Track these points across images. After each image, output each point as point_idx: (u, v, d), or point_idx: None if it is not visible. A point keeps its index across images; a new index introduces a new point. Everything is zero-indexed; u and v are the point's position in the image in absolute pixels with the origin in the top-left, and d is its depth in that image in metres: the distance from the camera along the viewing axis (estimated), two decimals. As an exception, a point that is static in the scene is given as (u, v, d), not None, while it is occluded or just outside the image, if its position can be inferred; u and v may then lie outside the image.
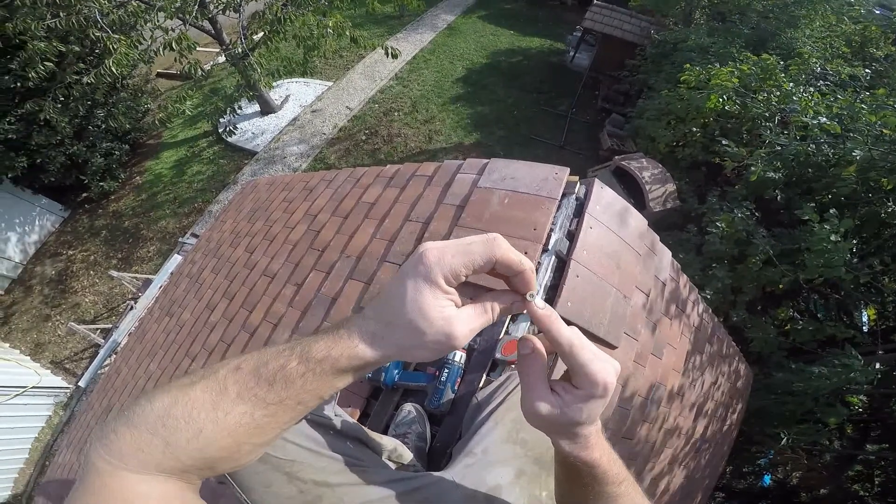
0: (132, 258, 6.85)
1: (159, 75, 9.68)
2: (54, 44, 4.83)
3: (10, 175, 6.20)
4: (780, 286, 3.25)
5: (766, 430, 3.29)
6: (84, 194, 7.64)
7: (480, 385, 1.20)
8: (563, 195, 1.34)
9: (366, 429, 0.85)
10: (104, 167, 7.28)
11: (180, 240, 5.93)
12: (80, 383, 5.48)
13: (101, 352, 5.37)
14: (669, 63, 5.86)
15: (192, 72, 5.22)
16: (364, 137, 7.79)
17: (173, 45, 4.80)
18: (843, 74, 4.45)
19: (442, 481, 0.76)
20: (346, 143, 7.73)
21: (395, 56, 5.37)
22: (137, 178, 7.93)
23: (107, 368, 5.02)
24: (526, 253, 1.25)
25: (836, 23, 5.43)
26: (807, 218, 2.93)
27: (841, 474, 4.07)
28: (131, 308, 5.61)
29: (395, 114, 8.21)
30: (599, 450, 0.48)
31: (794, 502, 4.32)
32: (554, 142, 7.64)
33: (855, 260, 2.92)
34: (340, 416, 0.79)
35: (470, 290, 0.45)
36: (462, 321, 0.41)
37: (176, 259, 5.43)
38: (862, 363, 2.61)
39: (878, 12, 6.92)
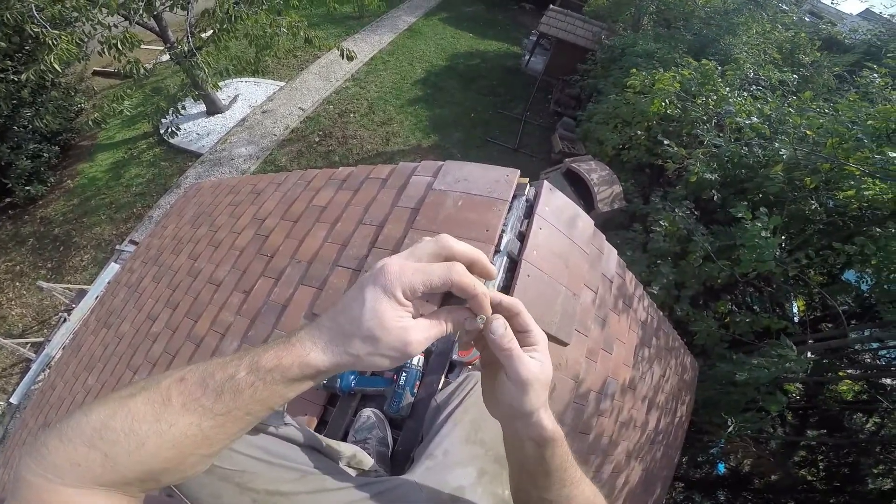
0: (64, 268, 6.32)
1: (95, 73, 9.12)
2: None
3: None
4: (719, 280, 3.47)
5: (714, 419, 3.46)
6: (7, 199, 7.03)
7: (439, 387, 1.19)
8: (514, 197, 1.36)
9: (320, 436, 0.82)
10: (31, 170, 6.76)
11: (117, 247, 5.54)
12: (11, 400, 4.99)
13: (34, 366, 4.97)
14: (618, 68, 6.11)
15: (133, 71, 4.95)
16: (317, 139, 7.61)
17: (119, 45, 4.57)
18: (773, 79, 4.80)
19: (405, 484, 0.75)
20: (299, 145, 7.53)
21: (350, 58, 5.29)
22: (69, 181, 7.36)
23: (40, 384, 4.62)
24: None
25: (770, 30, 5.82)
26: (740, 216, 3.12)
27: (787, 461, 4.39)
28: (64, 320, 5.15)
29: (351, 115, 8.08)
30: (551, 423, 0.51)
31: (749, 488, 4.60)
32: (509, 144, 7.81)
33: (784, 255, 3.14)
34: (291, 424, 0.76)
35: (426, 305, 0.47)
36: (417, 331, 0.43)
37: (113, 268, 5.06)
38: (796, 353, 2.80)
39: (808, 20, 7.56)
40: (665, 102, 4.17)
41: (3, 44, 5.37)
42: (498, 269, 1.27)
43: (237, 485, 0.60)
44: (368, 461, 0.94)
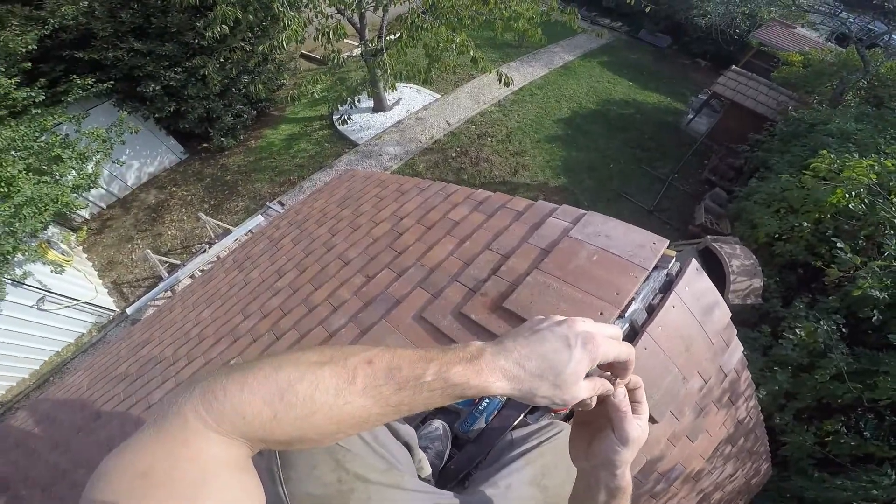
0: (221, 208, 7.48)
1: (302, 56, 10.46)
2: (237, 10, 5.37)
3: (157, 116, 7.12)
4: (840, 401, 2.90)
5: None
6: (205, 144, 8.50)
7: (514, 423, 1.18)
8: (655, 267, 1.29)
9: (416, 433, 0.89)
10: (230, 125, 8.09)
11: (267, 203, 6.38)
12: (127, 310, 5.40)
13: (161, 285, 5.38)
14: (800, 145, 5.38)
15: (332, 59, 5.60)
16: (454, 154, 8.01)
17: (330, 34, 5.20)
18: None
19: (465, 501, 0.77)
20: (437, 156, 7.99)
21: (507, 83, 5.50)
22: (252, 141, 8.71)
23: (160, 302, 5.16)
24: (601, 314, 1.23)
25: None
26: None
27: None
28: (203, 251, 5.86)
29: (489, 139, 8.35)
30: (628, 483, 0.61)
31: None
32: (644, 204, 7.33)
33: None
34: None
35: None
36: (583, 388, 0.50)
37: (257, 219, 5.75)
38: (891, 481, 2.43)
39: None
40: (851, 195, 3.53)
41: (252, 17, 6.30)
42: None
43: (336, 461, 0.62)
44: (427, 469, 0.97)
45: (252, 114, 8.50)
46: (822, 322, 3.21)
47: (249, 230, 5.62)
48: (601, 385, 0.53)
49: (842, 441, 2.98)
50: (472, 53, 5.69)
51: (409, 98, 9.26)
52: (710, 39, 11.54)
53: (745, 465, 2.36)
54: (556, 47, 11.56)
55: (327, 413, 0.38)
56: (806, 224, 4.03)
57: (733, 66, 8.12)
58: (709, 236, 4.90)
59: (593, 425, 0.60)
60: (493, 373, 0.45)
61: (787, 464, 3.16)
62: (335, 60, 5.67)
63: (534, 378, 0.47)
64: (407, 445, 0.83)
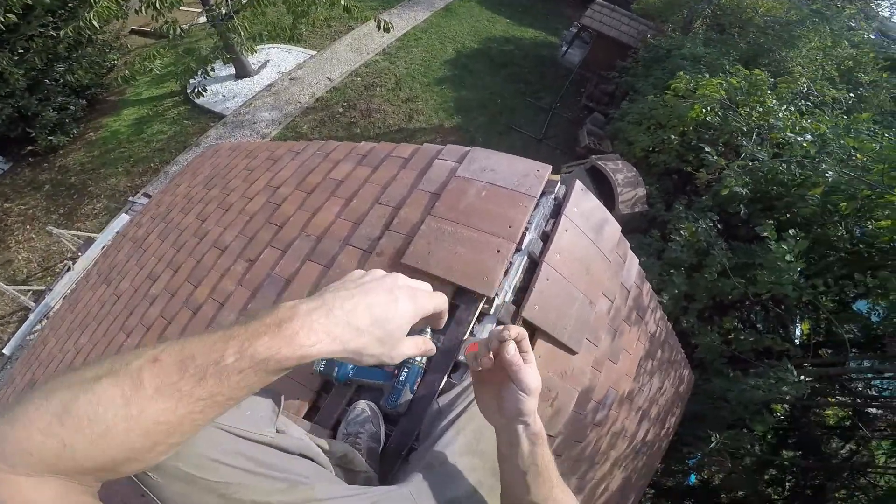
0: (76, 214, 6.40)
1: (133, 32, 9.24)
2: None
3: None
4: (729, 297, 3.38)
5: (698, 432, 3.46)
6: (29, 147, 7.19)
7: (441, 387, 1.13)
8: (543, 194, 1.27)
9: (311, 438, 0.80)
10: (56, 121, 6.93)
11: (130, 199, 5.58)
12: (4, 351, 4.93)
13: (31, 316, 4.86)
14: (660, 69, 5.88)
15: (169, 31, 4.96)
16: (341, 110, 7.54)
17: (157, 4, 4.58)
18: (827, 97, 4.55)
19: (398, 496, 0.72)
20: (322, 114, 7.46)
21: (387, 30, 5.18)
22: (92, 133, 7.47)
23: (36, 334, 4.57)
24: (499, 252, 1.18)
25: (831, 46, 5.50)
26: (765, 234, 3.01)
27: (758, 478, 4.35)
28: (68, 269, 5.13)
29: (378, 89, 7.96)
30: (541, 427, 0.63)
31: (716, 502, 4.58)
32: (533, 134, 7.63)
33: (801, 280, 3.03)
34: (284, 430, 0.73)
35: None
36: (407, 345, 0.50)
37: (123, 218, 5.07)
38: (795, 378, 2.75)
39: (873, 37, 7.11)
40: (706, 109, 3.99)
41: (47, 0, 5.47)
42: (517, 268, 1.19)
43: (222, 496, 0.58)
44: (359, 461, 0.92)
45: (81, 104, 7.38)
46: (700, 221, 3.62)
47: (118, 232, 4.86)
48: (423, 343, 0.54)
49: (742, 338, 3.37)
50: (343, 3, 5.18)
51: (278, 59, 8.41)
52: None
53: (670, 376, 2.61)
54: (437, -12, 11.13)
55: (125, 427, 0.34)
56: (673, 137, 4.52)
57: (598, 0, 8.48)
58: (593, 156, 5.30)
59: (495, 382, 0.62)
60: (309, 334, 0.40)
61: (705, 366, 3.49)
62: (172, 32, 4.93)
63: (361, 334, 0.43)
64: (305, 457, 0.73)
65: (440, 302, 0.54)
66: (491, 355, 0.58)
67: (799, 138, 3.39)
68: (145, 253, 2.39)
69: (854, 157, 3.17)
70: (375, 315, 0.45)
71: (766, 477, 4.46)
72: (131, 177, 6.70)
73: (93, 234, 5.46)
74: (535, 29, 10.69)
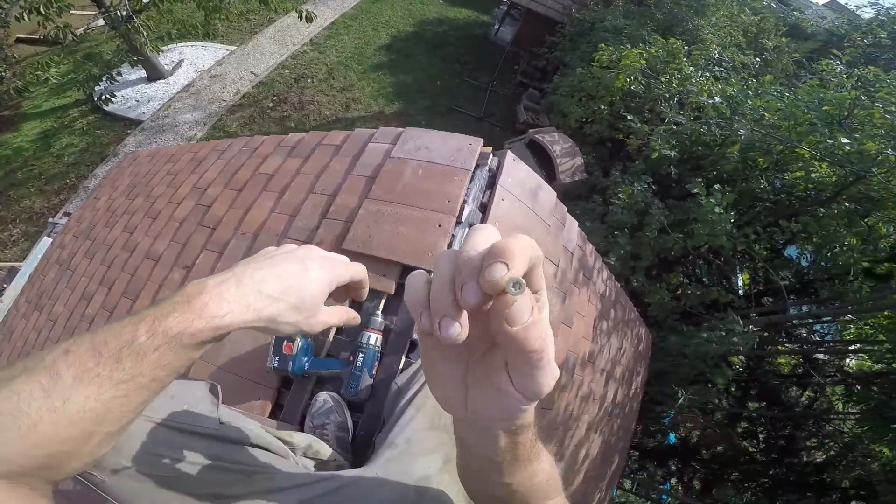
0: (-10, 243, 5.72)
1: (19, 41, 8.23)
2: None
3: None
4: (672, 252, 3.60)
5: (665, 390, 3.64)
6: None
7: (400, 368, 1.14)
8: (477, 166, 1.29)
9: (270, 430, 0.78)
10: None
11: (50, 220, 5.03)
12: None
13: None
14: (586, 42, 6.06)
15: (60, 37, 4.47)
16: (271, 104, 7.17)
17: (41, 8, 4.10)
18: (736, 62, 4.89)
19: (364, 479, 0.71)
20: (251, 111, 7.06)
21: (309, 20, 4.94)
22: None
23: None
24: (440, 226, 1.20)
25: (737, 13, 5.93)
26: (695, 191, 3.23)
27: (731, 432, 4.69)
28: None
29: (309, 80, 7.63)
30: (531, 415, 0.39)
31: (697, 458, 4.91)
32: (474, 113, 7.69)
33: (733, 230, 3.27)
34: (230, 422, 0.70)
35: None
36: (328, 314, 0.49)
37: (46, 242, 4.61)
38: (742, 328, 2.96)
39: (774, 6, 7.72)
40: (630, 78, 4.18)
41: None
42: (459, 240, 1.21)
43: (174, 491, 0.57)
44: (326, 450, 0.90)
45: None
46: (635, 184, 3.82)
47: (43, 257, 4.44)
48: (345, 312, 0.53)
49: (689, 292, 3.55)
50: None
51: (193, 57, 7.82)
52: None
53: (627, 335, 2.70)
54: (365, -27, 10.75)
55: (52, 418, 0.33)
56: (603, 107, 4.71)
57: (523, -24, 8.57)
58: (531, 130, 5.44)
59: (464, 356, 0.35)
60: (220, 304, 0.39)
61: (660, 324, 3.63)
62: (65, 37, 4.45)
63: (274, 302, 0.43)
64: (258, 447, 0.71)
65: (357, 271, 0.52)
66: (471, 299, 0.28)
67: (710, 101, 3.62)
68: (74, 274, 2.23)
69: (764, 117, 3.45)
70: (287, 283, 0.44)
71: (738, 430, 4.75)
72: (46, 196, 6.06)
73: (16, 263, 4.93)
74: (467, 9, 10.67)
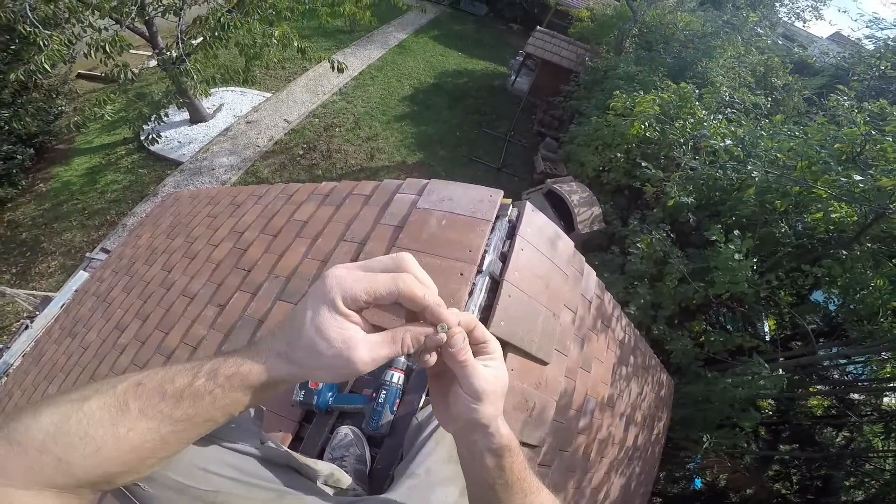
0: (29, 273, 6.05)
1: (80, 76, 9.00)
2: None
3: None
4: (694, 301, 3.54)
5: (690, 435, 3.51)
6: None
7: (420, 405, 1.17)
8: (497, 217, 1.37)
9: (296, 455, 0.81)
10: (2, 171, 6.58)
11: (88, 255, 5.32)
12: None
13: None
14: (600, 90, 6.28)
15: (119, 75, 4.87)
16: (301, 152, 7.56)
17: (107, 47, 4.51)
18: (747, 102, 4.97)
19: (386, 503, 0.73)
20: (282, 157, 7.46)
21: (341, 70, 5.30)
22: (41, 185, 7.13)
23: None
24: (461, 275, 1.26)
25: (744, 53, 6.05)
26: (714, 238, 3.21)
27: (762, 474, 4.43)
28: (26, 327, 4.84)
29: (337, 129, 8.06)
30: (507, 430, 0.52)
31: (726, 502, 4.62)
32: (492, 164, 7.92)
33: (756, 277, 3.22)
34: (267, 443, 0.74)
35: (388, 318, 0.44)
36: (365, 347, 0.41)
37: (82, 276, 4.84)
38: (769, 371, 2.87)
39: (780, 43, 7.85)
40: (645, 125, 4.28)
41: None
42: (480, 289, 1.27)
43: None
44: (346, 479, 0.92)
45: (28, 153, 7.02)
46: (654, 233, 3.83)
47: (77, 290, 4.65)
48: (405, 338, 0.42)
49: (713, 339, 3.48)
50: (296, 45, 5.31)
51: (232, 102, 8.38)
52: (518, 4, 12.76)
53: (648, 381, 2.67)
54: (389, 27, 11.56)
55: (115, 444, 0.36)
56: (619, 154, 4.82)
57: (538, 27, 9.08)
58: (549, 180, 5.56)
59: (444, 381, 0.51)
60: (260, 354, 0.41)
61: (681, 371, 3.56)
62: (123, 76, 4.85)
63: (291, 347, 0.41)
64: (290, 468, 0.75)
65: (382, 281, 0.40)
66: (433, 353, 0.46)
67: (722, 144, 3.66)
68: (110, 306, 2.35)
69: (778, 157, 3.48)
70: (290, 321, 0.42)
71: (770, 473, 4.55)
72: (87, 230, 6.42)
73: (50, 293, 5.16)
74: (485, 61, 11.23)
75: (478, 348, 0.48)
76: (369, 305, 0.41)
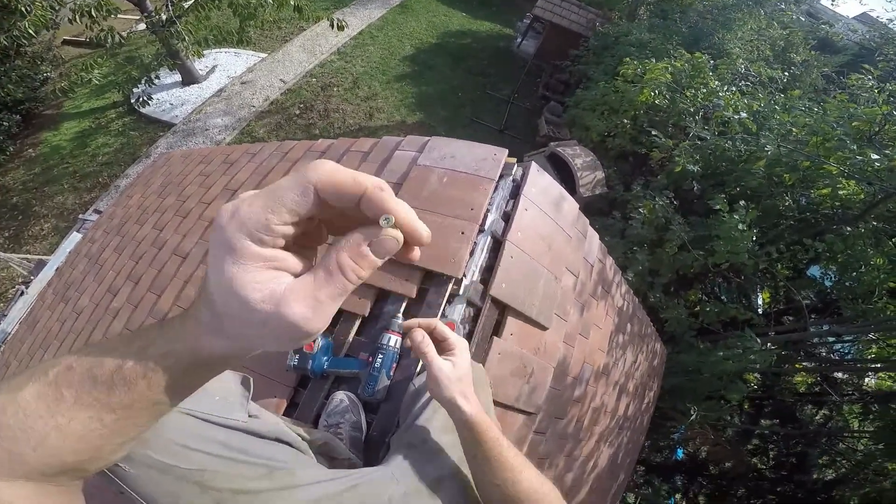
0: (22, 237, 5.99)
1: (66, 42, 8.71)
2: None
3: None
4: (692, 269, 3.53)
5: (678, 406, 3.56)
6: None
7: (417, 371, 1.15)
8: (501, 176, 1.31)
9: (288, 425, 0.79)
10: None
11: (80, 216, 5.26)
12: None
13: None
14: (609, 56, 6.07)
15: (106, 39, 4.69)
16: (298, 112, 7.36)
17: (92, 11, 4.31)
18: (763, 76, 4.82)
19: (380, 477, 0.72)
20: (278, 117, 7.27)
21: (341, 28, 5.07)
22: (31, 150, 7.01)
23: None
24: (463, 233, 1.21)
25: (765, 27, 5.84)
26: (718, 207, 3.17)
27: (741, 448, 4.57)
28: (22, 293, 4.85)
29: (335, 89, 7.83)
30: (471, 408, 0.65)
31: (704, 474, 4.79)
32: (495, 125, 7.74)
33: (756, 248, 3.20)
34: (257, 415, 0.72)
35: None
36: (298, 296, 0.29)
37: (75, 237, 4.80)
38: (759, 347, 2.89)
39: (804, 20, 7.58)
40: (655, 92, 4.15)
41: None
42: (482, 248, 1.22)
43: (197, 483, 0.56)
44: (341, 448, 0.91)
45: (15, 119, 6.97)
46: (657, 199, 3.77)
47: (71, 252, 4.63)
48: (341, 264, 0.29)
49: (707, 309, 3.48)
50: (293, 3, 5.05)
51: (226, 63, 8.11)
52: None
53: (642, 350, 2.68)
54: (391, -15, 11.01)
55: (59, 435, 0.31)
56: (626, 121, 4.69)
57: (548, -11, 8.65)
58: (552, 143, 5.42)
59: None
60: (197, 327, 0.32)
61: (676, 340, 3.58)
62: (111, 40, 4.67)
63: (217, 318, 0.31)
64: (281, 441, 0.73)
65: (291, 183, 0.29)
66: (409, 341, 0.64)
67: (736, 116, 3.57)
68: (102, 268, 2.30)
69: (792, 132, 3.38)
70: (208, 292, 0.31)
71: (749, 447, 4.68)
72: (79, 193, 6.33)
73: (44, 257, 5.12)
74: (490, 21, 10.80)
75: (440, 346, 0.62)
76: (294, 231, 0.30)
